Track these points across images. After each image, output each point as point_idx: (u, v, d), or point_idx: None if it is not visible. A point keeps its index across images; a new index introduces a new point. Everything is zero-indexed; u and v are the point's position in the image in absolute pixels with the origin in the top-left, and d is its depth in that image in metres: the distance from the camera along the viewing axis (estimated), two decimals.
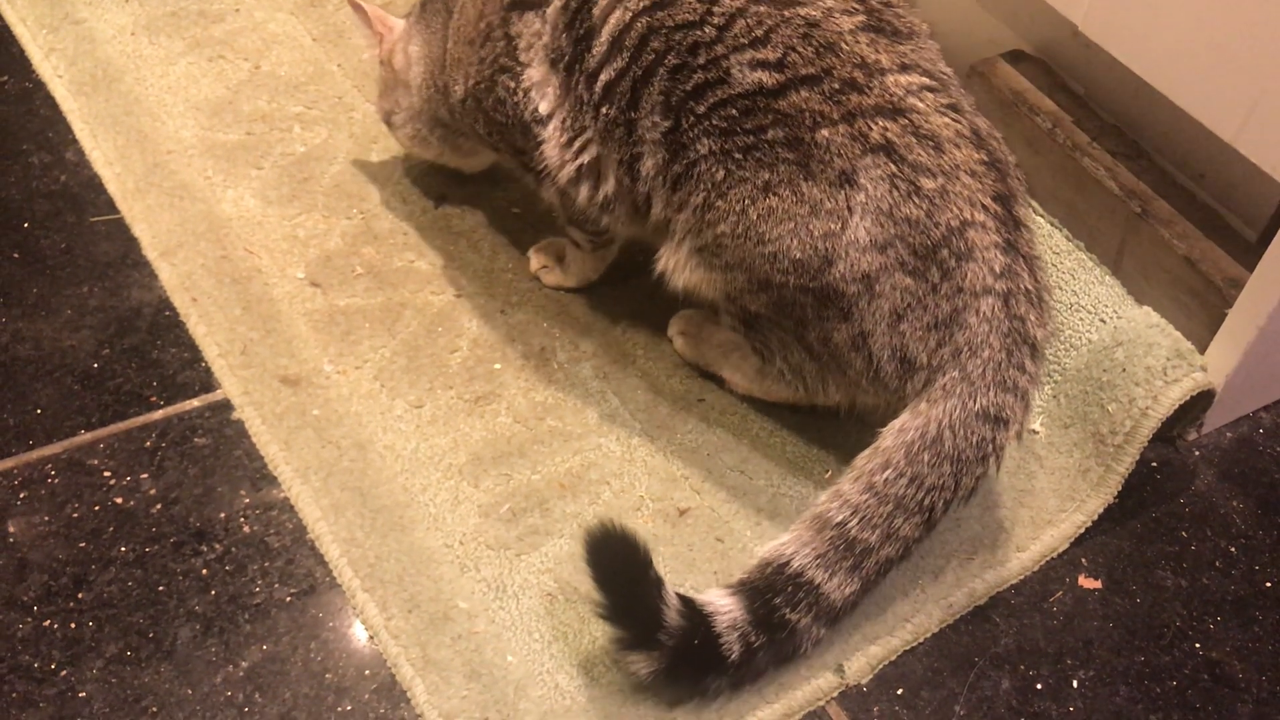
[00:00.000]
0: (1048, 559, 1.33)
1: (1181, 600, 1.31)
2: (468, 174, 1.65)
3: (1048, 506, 1.36)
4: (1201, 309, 1.40)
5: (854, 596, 1.19)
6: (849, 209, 1.18)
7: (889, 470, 1.18)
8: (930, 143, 1.18)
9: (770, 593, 1.16)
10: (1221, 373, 1.38)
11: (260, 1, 1.93)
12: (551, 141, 1.35)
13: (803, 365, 1.30)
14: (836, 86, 1.19)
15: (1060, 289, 1.47)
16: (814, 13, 1.21)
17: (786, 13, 1.21)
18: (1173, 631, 1.28)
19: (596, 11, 1.27)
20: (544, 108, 1.34)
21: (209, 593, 1.23)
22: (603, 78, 1.27)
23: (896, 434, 1.20)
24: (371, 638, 1.21)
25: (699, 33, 1.22)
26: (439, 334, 1.49)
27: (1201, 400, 1.40)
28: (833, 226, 1.18)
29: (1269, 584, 1.33)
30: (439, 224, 1.63)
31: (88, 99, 1.74)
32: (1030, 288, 1.21)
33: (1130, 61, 1.42)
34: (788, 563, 1.17)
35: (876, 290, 1.19)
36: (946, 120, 1.19)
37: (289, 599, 1.24)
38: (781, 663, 1.19)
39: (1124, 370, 1.37)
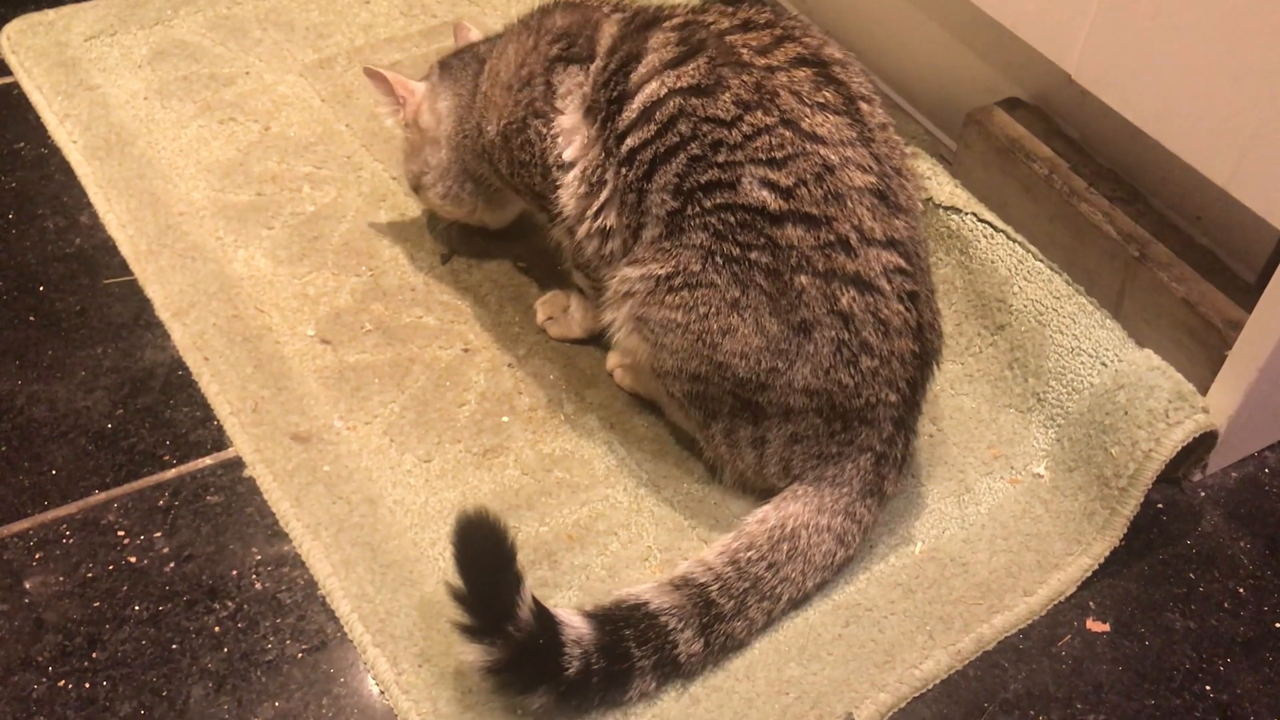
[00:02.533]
0: (1055, 603, 1.33)
1: (1191, 642, 1.31)
2: (493, 229, 1.67)
3: (1054, 550, 1.36)
4: (1202, 351, 1.41)
5: (695, 661, 1.22)
6: (798, 355, 1.25)
7: (752, 550, 1.27)
8: (881, 329, 1.25)
9: (623, 624, 1.19)
10: (1224, 414, 1.39)
11: (270, 64, 1.97)
12: (568, 189, 1.38)
13: (699, 444, 1.41)
14: (831, 239, 1.23)
15: (1061, 333, 1.48)
16: (833, 157, 1.24)
17: (808, 146, 1.24)
18: (1182, 674, 1.28)
19: (634, 77, 1.30)
20: (569, 154, 1.37)
21: (222, 650, 1.25)
22: (629, 142, 1.30)
23: (759, 521, 1.30)
24: (383, 692, 1.22)
25: (726, 132, 1.25)
26: (447, 388, 1.51)
27: (1205, 441, 1.41)
28: (779, 365, 1.26)
29: (1278, 624, 1.33)
30: (446, 280, 1.65)
31: (101, 163, 1.77)
32: (899, 456, 1.33)
33: (1122, 108, 1.44)
34: (645, 604, 1.21)
35: (791, 419, 1.29)
36: (901, 309, 1.26)
37: (301, 655, 1.25)
38: (606, 704, 1.19)
39: (1126, 413, 1.38)
